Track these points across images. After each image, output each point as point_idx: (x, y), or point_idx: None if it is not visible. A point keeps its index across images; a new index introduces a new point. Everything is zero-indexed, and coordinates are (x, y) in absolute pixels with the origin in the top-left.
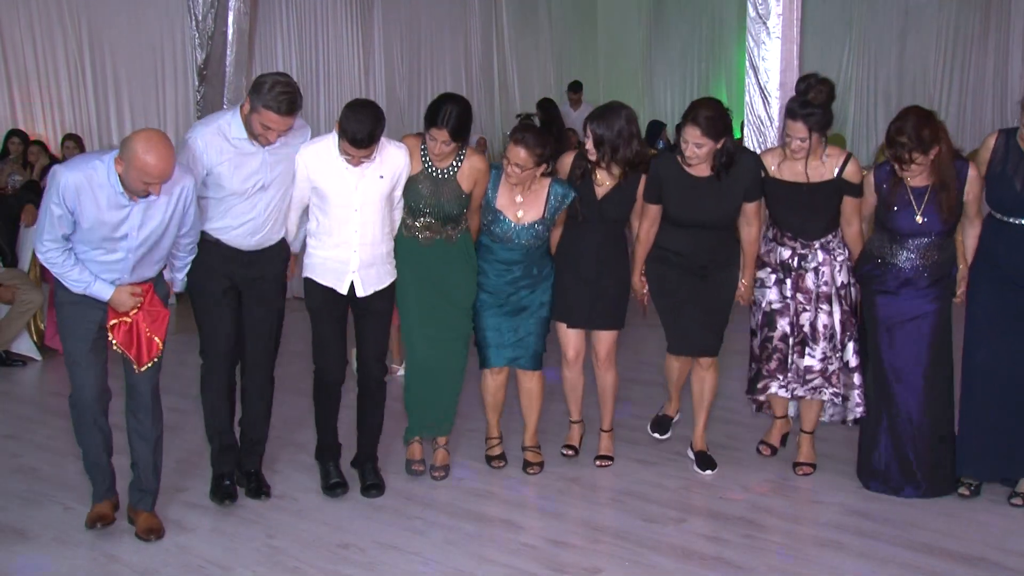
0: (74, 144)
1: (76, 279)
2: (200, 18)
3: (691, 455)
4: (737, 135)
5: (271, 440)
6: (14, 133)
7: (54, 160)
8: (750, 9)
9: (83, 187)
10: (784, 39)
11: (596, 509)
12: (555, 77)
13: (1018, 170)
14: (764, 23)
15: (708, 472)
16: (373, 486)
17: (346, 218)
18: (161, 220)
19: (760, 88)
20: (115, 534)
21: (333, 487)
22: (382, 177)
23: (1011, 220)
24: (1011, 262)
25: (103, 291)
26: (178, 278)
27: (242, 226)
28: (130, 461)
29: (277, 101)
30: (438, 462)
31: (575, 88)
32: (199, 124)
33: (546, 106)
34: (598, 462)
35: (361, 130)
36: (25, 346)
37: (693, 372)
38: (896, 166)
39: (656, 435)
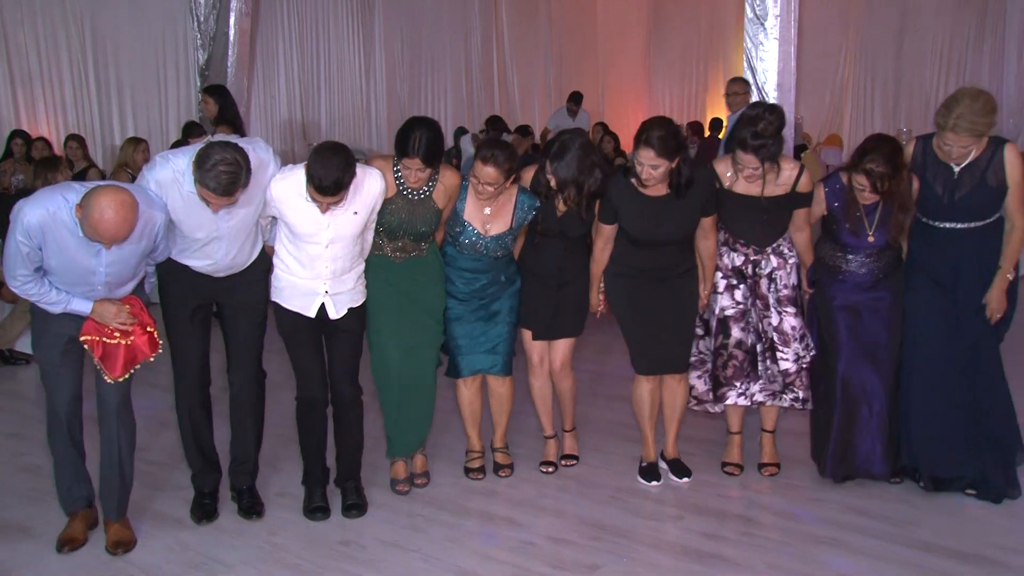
0: (77, 144)
1: (55, 302)
2: (202, 19)
3: (664, 464)
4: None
5: (274, 436)
6: (17, 134)
7: (54, 158)
8: (748, 11)
9: (47, 225)
10: (782, 40)
11: (595, 507)
12: (555, 78)
13: (938, 176)
14: (762, 24)
15: (685, 479)
16: (354, 506)
17: (317, 254)
18: (130, 253)
19: (758, 88)
20: None
21: (314, 511)
22: (356, 213)
23: (936, 224)
24: (938, 264)
25: (83, 306)
26: (148, 284)
27: (205, 266)
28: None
29: (216, 181)
30: (418, 469)
31: (575, 99)
32: (159, 161)
33: (495, 123)
34: (563, 462)
35: (327, 176)
36: (29, 344)
37: (664, 385)
38: (862, 191)
39: (652, 483)
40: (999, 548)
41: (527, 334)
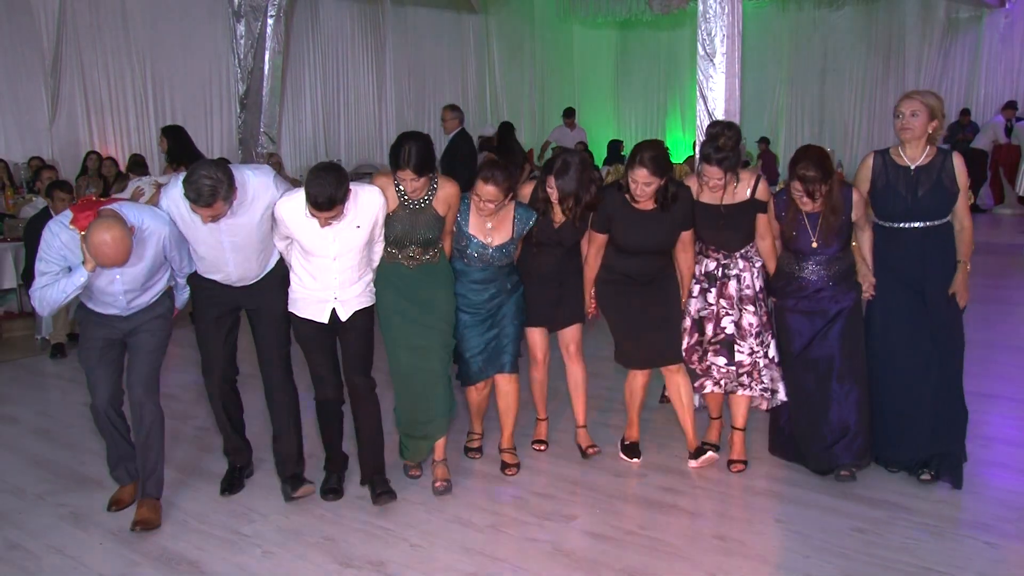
0: (138, 162)
1: (62, 290)
2: (241, 56)
3: (710, 453)
4: (690, 152)
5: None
6: (91, 154)
7: (120, 175)
8: (699, 49)
9: (69, 244)
10: (728, 74)
11: (573, 467)
12: (538, 103)
13: (899, 179)
14: (711, 60)
15: (710, 455)
16: (384, 492)
17: (325, 267)
18: (143, 265)
19: (708, 113)
20: (174, 485)
21: (327, 492)
22: (359, 227)
23: (900, 225)
24: (902, 264)
25: (80, 275)
26: (179, 299)
27: (221, 278)
28: None
29: (196, 192)
30: (439, 477)
31: (569, 115)
32: (172, 181)
33: (504, 130)
34: (590, 451)
35: (321, 193)
36: None
37: (667, 380)
38: (800, 196)
39: (634, 460)
40: (901, 494)
41: (530, 331)
